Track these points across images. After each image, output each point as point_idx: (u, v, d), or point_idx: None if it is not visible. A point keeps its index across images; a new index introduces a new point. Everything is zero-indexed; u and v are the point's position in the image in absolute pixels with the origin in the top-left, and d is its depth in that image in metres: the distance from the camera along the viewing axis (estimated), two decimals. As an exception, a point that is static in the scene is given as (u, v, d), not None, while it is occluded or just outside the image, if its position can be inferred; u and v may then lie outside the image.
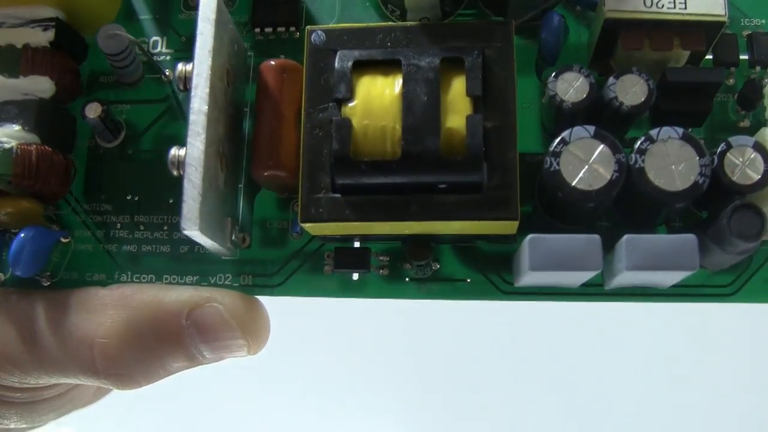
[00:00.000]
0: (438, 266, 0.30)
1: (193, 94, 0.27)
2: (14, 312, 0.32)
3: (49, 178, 0.31)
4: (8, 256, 0.31)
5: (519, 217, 0.26)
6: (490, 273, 0.30)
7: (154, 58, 0.33)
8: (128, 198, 0.32)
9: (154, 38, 0.34)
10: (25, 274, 0.31)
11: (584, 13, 0.31)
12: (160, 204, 0.32)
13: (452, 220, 0.27)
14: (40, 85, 0.31)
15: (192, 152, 0.27)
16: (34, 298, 0.32)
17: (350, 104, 0.27)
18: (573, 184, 0.26)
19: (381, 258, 0.30)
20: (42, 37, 0.31)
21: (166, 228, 0.32)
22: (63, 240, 0.32)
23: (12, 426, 0.35)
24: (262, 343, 0.31)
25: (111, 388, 0.32)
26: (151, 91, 0.33)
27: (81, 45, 0.33)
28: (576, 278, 0.28)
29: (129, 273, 0.32)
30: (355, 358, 0.73)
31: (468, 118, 0.26)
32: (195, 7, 0.33)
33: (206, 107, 0.27)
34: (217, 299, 0.30)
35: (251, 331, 0.30)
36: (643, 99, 0.27)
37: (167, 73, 0.33)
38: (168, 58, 0.33)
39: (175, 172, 0.29)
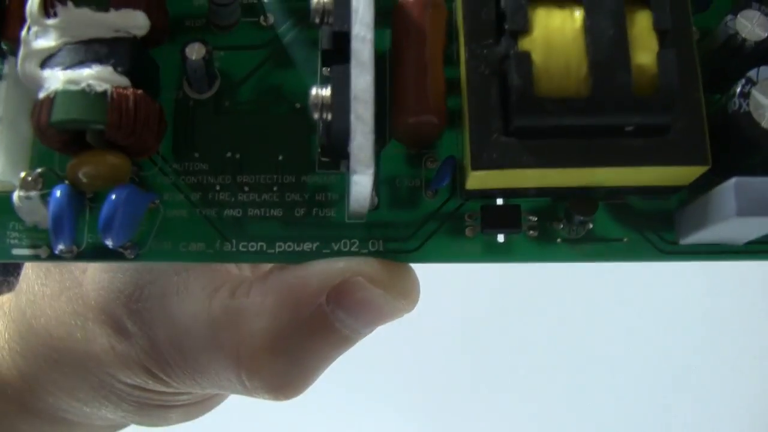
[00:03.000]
0: (591, 225, 0.28)
1: (354, 19, 0.24)
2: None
3: (145, 128, 0.26)
4: (98, 221, 0.26)
5: (710, 162, 0.25)
6: (647, 231, 0.28)
7: (253, -1, 0.29)
8: (228, 156, 0.28)
9: (249, -23, 0.30)
10: (116, 244, 0.26)
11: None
12: (267, 162, 0.28)
13: (641, 165, 0.24)
14: (134, 21, 0.27)
15: (359, 84, 0.23)
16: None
17: (528, 37, 0.25)
18: (763, 125, 0.25)
19: (530, 218, 0.28)
20: (128, -32, 0.27)
21: (276, 188, 0.28)
22: (153, 203, 0.28)
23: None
24: (415, 298, 0.28)
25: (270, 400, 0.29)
26: (249, 35, 0.29)
27: (164, -18, 0.29)
28: (753, 232, 0.26)
29: (234, 242, 0.27)
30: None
31: (660, 53, 0.24)
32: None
33: (371, 34, 0.24)
34: (354, 269, 0.26)
35: (401, 291, 0.27)
36: (830, 38, 0.26)
37: (268, 16, 0.29)
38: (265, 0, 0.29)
39: (316, 115, 0.25)
